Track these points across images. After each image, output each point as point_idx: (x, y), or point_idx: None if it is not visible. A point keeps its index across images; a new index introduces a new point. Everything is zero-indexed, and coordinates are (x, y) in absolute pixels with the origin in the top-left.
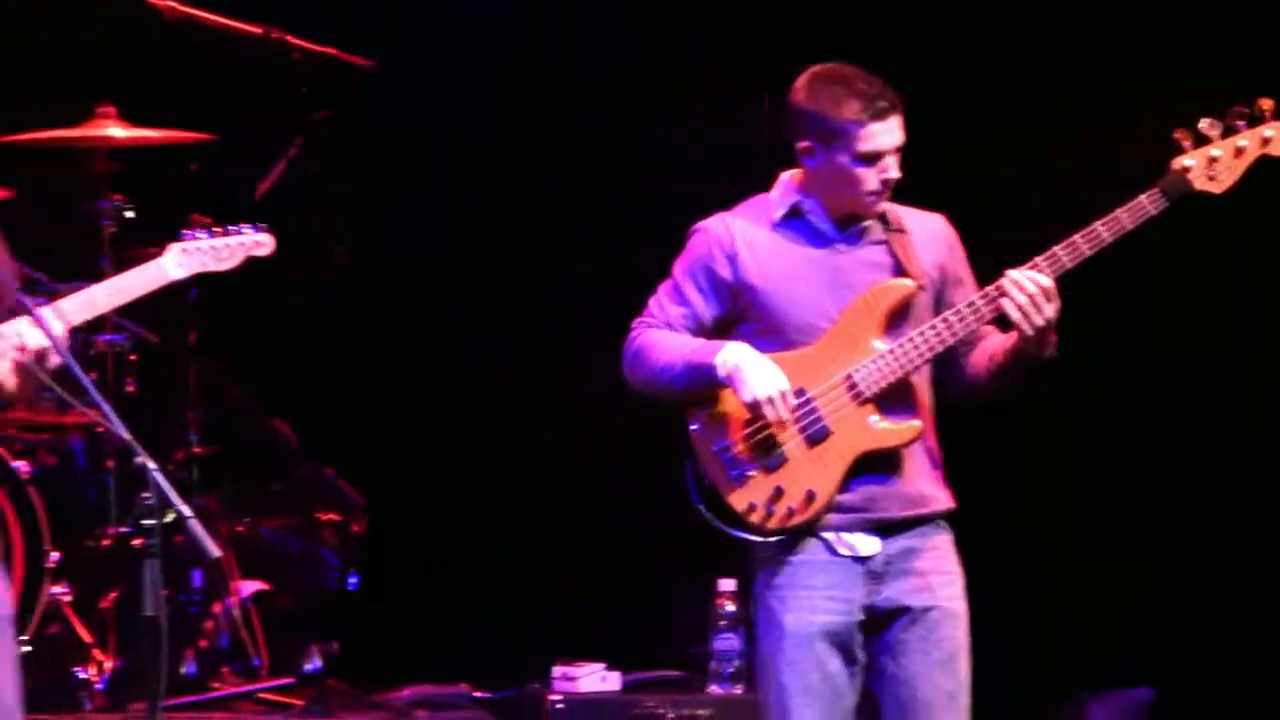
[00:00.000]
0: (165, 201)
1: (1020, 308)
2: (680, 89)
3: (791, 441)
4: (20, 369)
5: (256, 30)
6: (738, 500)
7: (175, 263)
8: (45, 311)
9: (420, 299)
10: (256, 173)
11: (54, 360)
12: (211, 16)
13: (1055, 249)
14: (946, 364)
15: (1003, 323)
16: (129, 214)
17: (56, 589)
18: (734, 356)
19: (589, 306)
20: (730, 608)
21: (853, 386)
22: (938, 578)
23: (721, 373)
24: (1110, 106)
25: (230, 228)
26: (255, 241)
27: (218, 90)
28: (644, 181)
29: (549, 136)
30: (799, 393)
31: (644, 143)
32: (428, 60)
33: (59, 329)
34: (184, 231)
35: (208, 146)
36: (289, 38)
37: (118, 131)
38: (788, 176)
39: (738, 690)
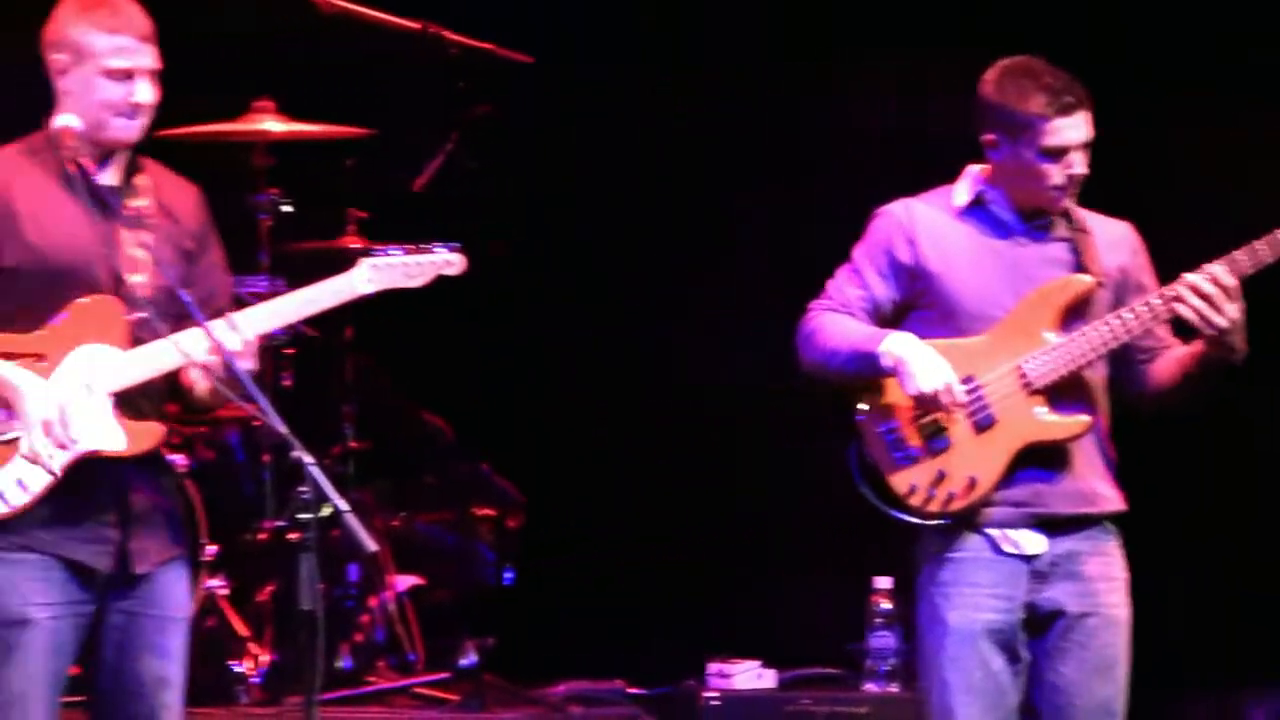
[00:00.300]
0: (322, 196)
1: (1196, 309)
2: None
3: (957, 427)
4: (207, 376)
5: (414, 25)
6: (899, 481)
7: (365, 278)
8: (233, 319)
9: (575, 292)
10: (413, 167)
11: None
12: (369, 11)
13: (1234, 253)
14: (1125, 367)
15: (1182, 331)
16: (286, 208)
17: (213, 582)
18: (899, 347)
19: (744, 299)
20: (886, 605)
21: (1023, 376)
22: (1104, 584)
23: (886, 362)
24: None
25: (422, 245)
26: (446, 261)
27: (375, 85)
28: (799, 173)
29: (699, 130)
30: (967, 380)
31: (794, 134)
32: (581, 55)
33: (239, 339)
34: (377, 247)
35: (365, 141)
36: (446, 32)
37: (275, 126)
38: (974, 169)
39: (893, 688)
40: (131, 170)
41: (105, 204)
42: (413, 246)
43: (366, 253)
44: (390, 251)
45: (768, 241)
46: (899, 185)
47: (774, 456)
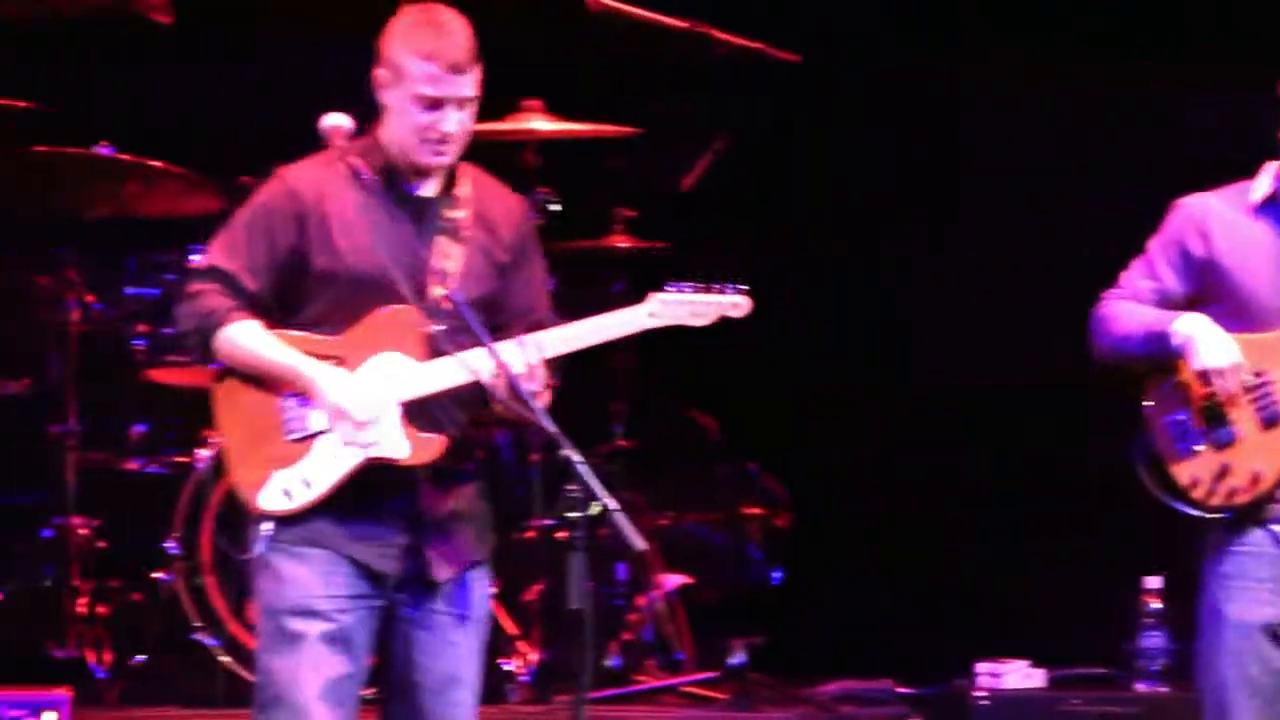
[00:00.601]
0: (590, 195)
1: None
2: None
3: (1243, 420)
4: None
5: (682, 24)
6: (1182, 473)
7: (651, 312)
8: (523, 340)
9: (842, 290)
10: (681, 167)
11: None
12: (637, 10)
13: None
14: None
15: None
16: (555, 207)
17: None
18: (1190, 325)
19: (1009, 297)
20: (1156, 605)
21: None
22: None
23: (1176, 340)
24: None
25: (714, 285)
26: (733, 303)
27: (643, 84)
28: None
29: (970, 126)
30: (1258, 374)
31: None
32: (852, 54)
33: (524, 360)
34: (670, 282)
35: (632, 140)
36: (715, 32)
37: (544, 125)
38: (1273, 164)
39: (1164, 689)
40: (452, 182)
41: (419, 215)
42: (703, 285)
43: (640, 268)
44: (683, 288)
45: (1039, 238)
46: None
47: (1043, 455)
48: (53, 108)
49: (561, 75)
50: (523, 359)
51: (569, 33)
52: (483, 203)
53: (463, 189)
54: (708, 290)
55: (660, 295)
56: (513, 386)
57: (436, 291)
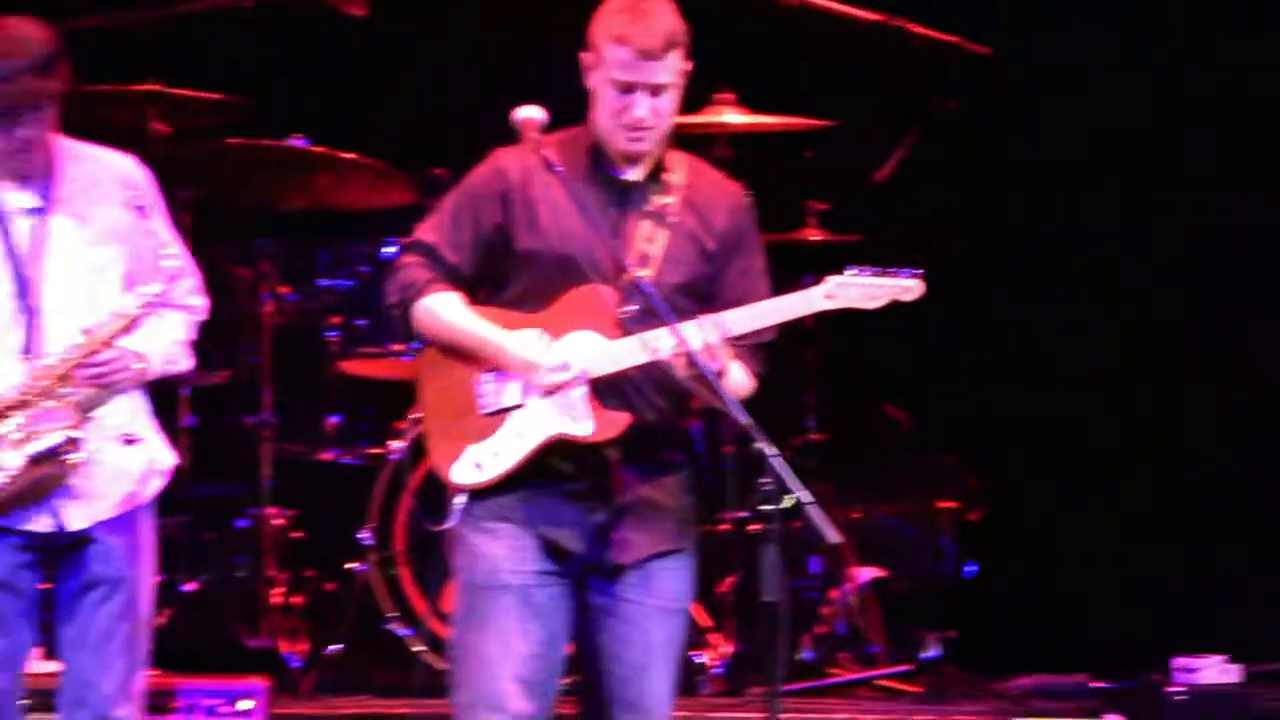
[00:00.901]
0: (782, 188)
1: None
2: None
3: None
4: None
5: (877, 17)
6: None
7: (827, 293)
8: (706, 320)
9: (1034, 284)
10: (874, 160)
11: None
12: (830, 4)
13: None
14: None
15: None
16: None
17: None
18: None
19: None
20: None
21: None
22: None
23: None
24: None
25: (889, 269)
26: (906, 287)
27: (836, 77)
28: None
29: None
30: None
31: None
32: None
33: (702, 340)
34: (849, 266)
35: (825, 133)
36: (909, 25)
37: (736, 118)
38: None
39: None
40: (661, 168)
41: (623, 198)
42: (880, 269)
43: (833, 262)
44: (860, 271)
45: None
46: None
47: (1237, 451)
48: (249, 100)
49: (753, 67)
50: (702, 338)
51: (762, 26)
52: (695, 190)
53: (674, 176)
54: (883, 274)
55: (837, 278)
56: (694, 364)
57: (636, 273)
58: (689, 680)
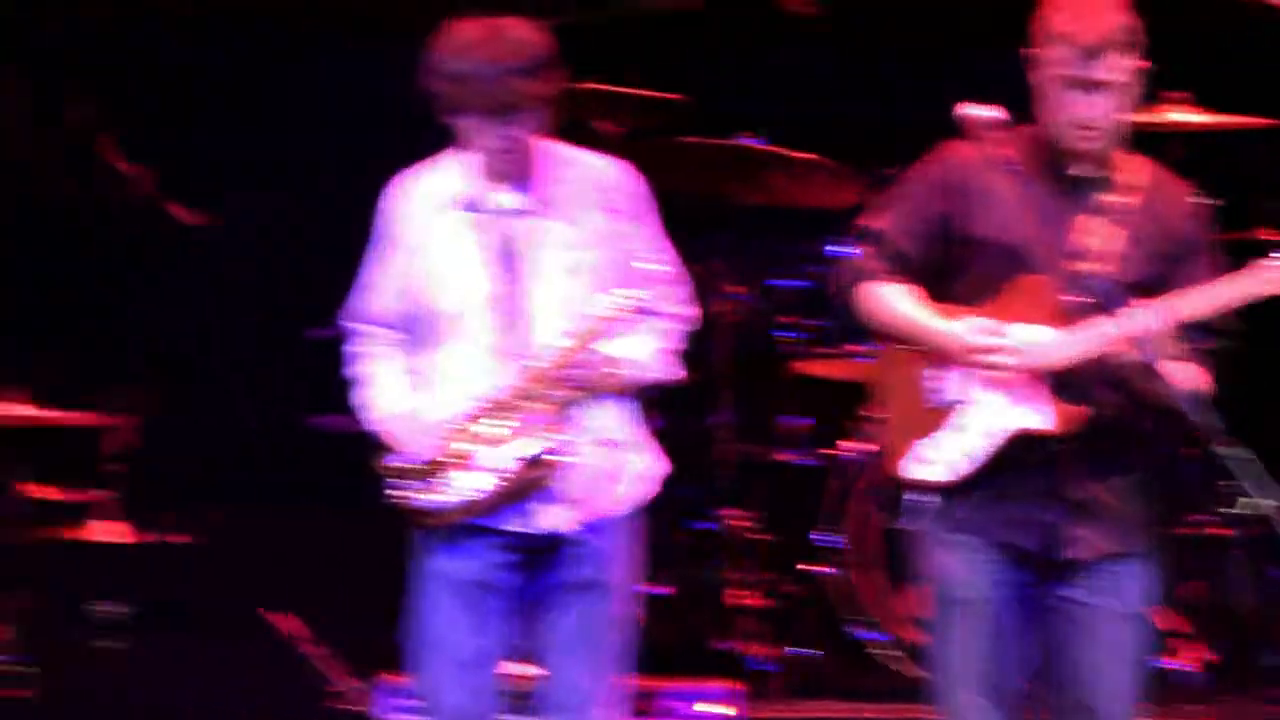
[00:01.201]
0: (1234, 186)
1: None
2: None
3: None
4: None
5: None
6: None
7: (1266, 280)
8: (1154, 305)
9: None
10: None
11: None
12: None
13: None
14: None
15: None
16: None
17: None
18: None
19: None
20: None
21: None
22: None
23: None
24: None
25: None
26: None
27: None
28: None
29: None
30: None
31: None
32: None
33: (1159, 323)
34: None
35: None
36: None
37: (1190, 117)
38: None
39: None
40: (1113, 166)
41: (1073, 194)
42: None
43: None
44: None
45: None
46: None
47: None
48: (691, 99)
49: (1208, 67)
50: (1152, 325)
51: (1219, 25)
52: (1154, 191)
53: (1127, 175)
54: None
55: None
56: (1143, 354)
57: (1083, 268)
58: (1160, 689)
